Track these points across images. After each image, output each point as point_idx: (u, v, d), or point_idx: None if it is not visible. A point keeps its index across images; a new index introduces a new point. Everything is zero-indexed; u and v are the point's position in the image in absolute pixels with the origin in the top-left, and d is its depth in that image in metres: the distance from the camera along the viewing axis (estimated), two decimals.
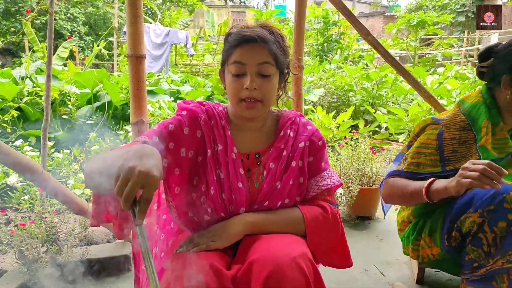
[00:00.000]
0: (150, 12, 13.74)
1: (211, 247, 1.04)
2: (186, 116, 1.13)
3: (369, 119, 5.36)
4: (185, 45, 9.98)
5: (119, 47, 10.53)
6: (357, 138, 2.89)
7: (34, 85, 4.12)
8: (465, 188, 1.19)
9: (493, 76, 1.44)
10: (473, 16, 15.44)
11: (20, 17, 12.24)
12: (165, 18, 12.40)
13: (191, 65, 10.60)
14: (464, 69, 7.48)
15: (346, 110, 4.58)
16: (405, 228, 1.64)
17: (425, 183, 1.33)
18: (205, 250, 1.03)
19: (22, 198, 2.38)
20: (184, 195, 1.13)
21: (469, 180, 1.16)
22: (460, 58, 11.54)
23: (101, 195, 1.05)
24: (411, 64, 10.02)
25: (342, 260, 1.23)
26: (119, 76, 6.13)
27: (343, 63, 8.01)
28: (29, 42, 8.18)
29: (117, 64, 10.16)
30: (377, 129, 4.97)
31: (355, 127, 4.64)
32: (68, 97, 3.84)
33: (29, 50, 9.23)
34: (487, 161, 1.17)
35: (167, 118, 3.65)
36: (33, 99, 3.80)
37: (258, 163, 1.16)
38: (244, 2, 28.06)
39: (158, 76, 6.60)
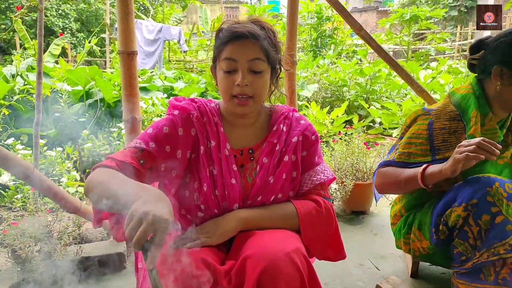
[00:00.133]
0: (142, 8, 13.60)
1: (205, 244, 1.04)
2: (178, 115, 1.12)
3: (363, 114, 5.37)
4: (178, 41, 9.90)
5: (112, 44, 10.43)
6: (351, 133, 2.90)
7: (25, 82, 4.07)
8: (460, 166, 1.21)
9: (483, 68, 1.45)
10: (465, 10, 15.50)
11: (11, 14, 12.06)
12: (158, 14, 12.29)
13: (185, 62, 10.53)
14: (457, 64, 7.52)
15: (340, 105, 4.58)
16: (397, 222, 1.66)
17: (420, 168, 1.35)
18: (199, 247, 1.03)
19: (15, 196, 2.36)
20: (177, 192, 1.13)
21: (465, 154, 1.19)
22: (453, 53, 11.59)
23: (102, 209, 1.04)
24: (405, 59, 10.05)
25: (336, 253, 1.24)
26: (112, 73, 6.08)
27: (337, 58, 8.00)
28: (20, 39, 8.07)
29: (110, 60, 10.06)
30: (371, 124, 4.98)
31: (349, 122, 4.65)
32: (60, 95, 3.81)
33: (20, 47, 9.12)
34: (481, 137, 1.22)
35: (160, 114, 3.66)
36: (25, 97, 3.76)
37: (251, 158, 1.16)
38: None
39: (151, 72, 6.55)
